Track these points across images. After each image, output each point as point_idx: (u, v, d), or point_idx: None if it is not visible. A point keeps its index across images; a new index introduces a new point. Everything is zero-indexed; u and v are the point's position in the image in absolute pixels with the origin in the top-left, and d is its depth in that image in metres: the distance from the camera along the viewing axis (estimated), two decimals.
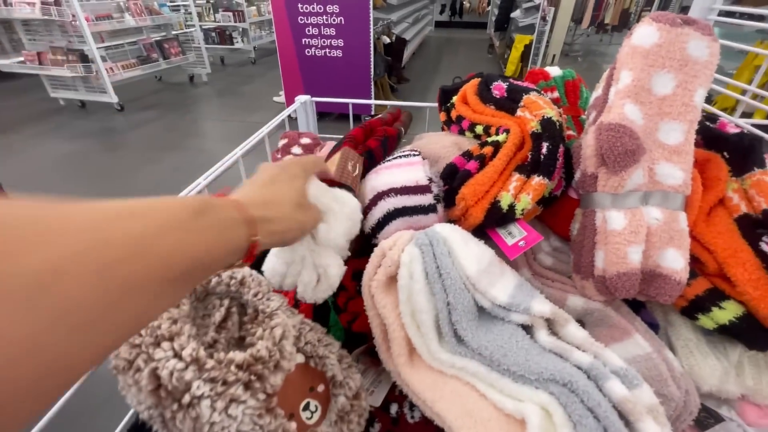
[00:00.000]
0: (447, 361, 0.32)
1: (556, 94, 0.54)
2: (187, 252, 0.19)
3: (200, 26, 4.26)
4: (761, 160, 0.38)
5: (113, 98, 3.21)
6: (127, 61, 3.49)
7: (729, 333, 0.36)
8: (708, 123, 0.44)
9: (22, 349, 0.13)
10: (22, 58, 3.25)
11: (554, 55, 5.07)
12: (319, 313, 0.45)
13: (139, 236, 0.17)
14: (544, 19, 3.10)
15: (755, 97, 0.49)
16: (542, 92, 0.52)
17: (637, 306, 0.41)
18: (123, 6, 3.40)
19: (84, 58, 3.08)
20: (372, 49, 2.70)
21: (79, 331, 0.14)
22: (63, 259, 0.14)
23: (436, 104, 0.70)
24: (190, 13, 4.09)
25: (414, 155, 0.45)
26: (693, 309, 0.37)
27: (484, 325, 0.33)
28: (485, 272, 0.34)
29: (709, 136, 0.42)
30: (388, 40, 3.38)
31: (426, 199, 0.41)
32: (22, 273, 0.13)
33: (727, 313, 0.35)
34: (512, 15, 4.33)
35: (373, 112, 2.93)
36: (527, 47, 3.30)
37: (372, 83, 2.82)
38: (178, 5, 4.11)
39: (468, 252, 0.35)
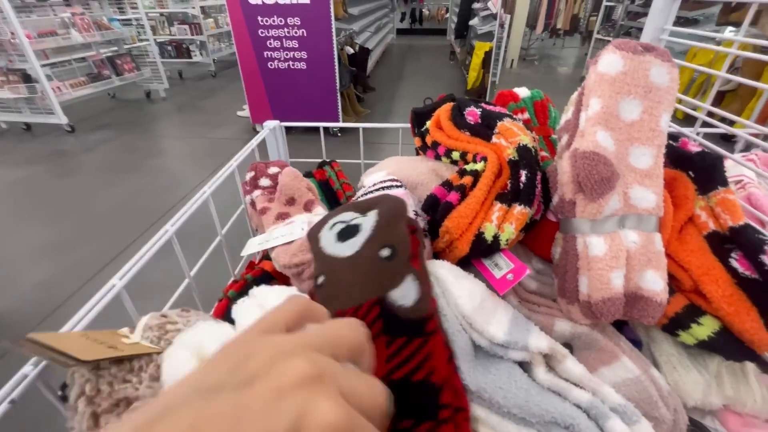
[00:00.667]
0: None
1: (526, 116, 0.55)
2: None
3: (155, 40, 4.10)
4: (723, 178, 0.40)
5: (62, 119, 3.02)
6: (76, 79, 3.31)
7: (708, 347, 0.37)
8: (671, 142, 0.46)
9: None
10: None
11: (513, 60, 5.26)
12: None
13: None
14: (502, 26, 3.21)
15: (689, 104, 0.52)
16: (514, 116, 0.53)
17: (619, 323, 0.42)
18: (68, 22, 3.22)
19: (27, 78, 2.89)
20: (336, 60, 2.70)
21: None
22: None
23: (407, 125, 0.70)
24: (143, 27, 3.93)
25: (397, 186, 0.44)
26: (673, 326, 0.38)
27: (482, 364, 0.32)
28: (480, 309, 0.34)
29: (674, 156, 0.44)
30: (351, 51, 3.39)
31: None
32: None
33: (705, 328, 0.36)
34: (470, 23, 4.45)
35: (340, 123, 2.92)
36: (487, 54, 3.41)
37: (338, 95, 2.81)
38: (130, 18, 3.93)
39: (462, 290, 0.35)
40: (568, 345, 0.41)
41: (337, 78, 2.76)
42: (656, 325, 0.40)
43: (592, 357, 0.38)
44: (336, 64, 2.71)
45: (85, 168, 2.60)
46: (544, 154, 0.51)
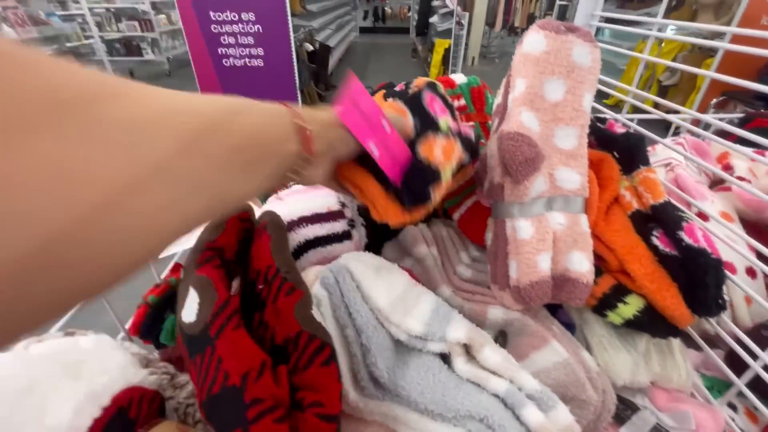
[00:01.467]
0: (364, 408, 0.29)
1: (462, 102, 0.54)
2: (245, 131, 0.22)
3: (101, 38, 3.86)
4: (645, 158, 0.41)
5: None
6: None
7: (634, 326, 0.37)
8: (599, 124, 0.46)
9: (121, 193, 0.14)
10: None
11: (473, 57, 5.36)
12: None
13: (221, 111, 0.21)
14: (459, 23, 3.25)
15: (638, 96, 0.53)
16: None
17: (553, 307, 0.42)
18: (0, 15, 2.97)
19: None
20: (294, 57, 2.64)
21: (171, 188, 0.16)
22: (163, 117, 0.17)
23: None
24: (87, 23, 3.69)
25: None
26: (602, 306, 0.38)
27: (401, 359, 0.30)
28: (399, 301, 0.32)
29: (600, 137, 0.44)
30: (311, 48, 3.32)
31: (339, 226, 0.38)
32: (127, 119, 0.15)
33: (630, 307, 0.37)
34: (431, 20, 4.49)
35: None
36: (447, 51, 3.44)
37: (298, 92, 2.75)
38: (72, 14, 3.68)
39: (378, 282, 0.33)
40: (503, 332, 0.40)
41: (297, 75, 2.70)
42: (586, 306, 0.39)
43: (524, 343, 0.37)
44: (294, 61, 2.65)
45: None
46: (481, 140, 0.50)
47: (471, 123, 0.52)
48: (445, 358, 0.31)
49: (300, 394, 0.28)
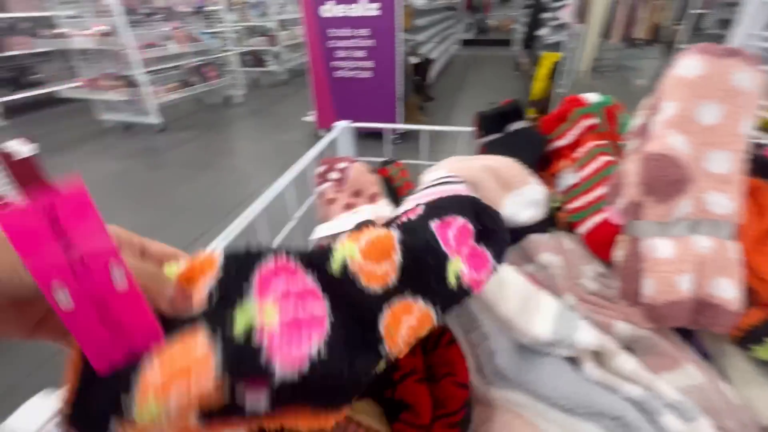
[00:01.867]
0: (491, 395, 0.33)
1: (594, 120, 0.54)
2: None
3: (236, 51, 4.50)
4: None
5: (156, 119, 3.42)
6: (169, 84, 3.73)
7: None
8: (756, 152, 0.43)
9: None
10: (75, 85, 3.54)
11: (584, 71, 5.01)
12: None
13: None
14: (573, 35, 3.09)
15: None
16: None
17: (687, 335, 0.41)
18: (167, 35, 3.66)
19: (131, 83, 3.32)
20: (400, 70, 2.78)
21: None
22: None
23: (468, 128, 0.72)
24: (227, 39, 4.34)
25: (458, 182, 0.47)
26: (747, 340, 0.36)
27: (528, 359, 0.33)
28: (521, 311, 0.35)
29: (757, 164, 0.42)
30: (415, 60, 3.46)
31: None
32: None
33: None
34: (538, 33, 4.33)
35: (405, 126, 2.99)
36: (555, 64, 3.29)
37: (400, 103, 2.88)
38: (217, 32, 4.37)
39: (505, 292, 0.36)
40: (628, 349, 0.40)
41: (400, 87, 2.84)
42: (729, 337, 0.38)
43: (653, 361, 0.37)
44: (399, 73, 2.79)
45: (171, 163, 2.92)
46: (611, 158, 0.51)
47: (604, 141, 0.53)
48: (571, 360, 0.33)
49: (434, 369, 0.33)
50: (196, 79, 4.00)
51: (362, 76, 2.88)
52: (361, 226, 0.46)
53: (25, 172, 1.44)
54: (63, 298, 0.19)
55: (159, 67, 3.77)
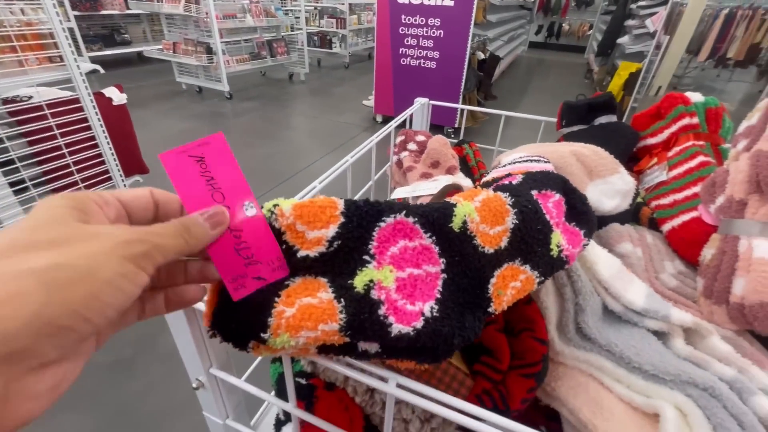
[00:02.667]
0: (568, 354, 0.34)
1: (695, 120, 0.52)
2: None
3: (305, 30, 4.63)
4: None
5: (225, 87, 3.62)
6: (241, 56, 3.91)
7: None
8: None
9: None
10: (161, 46, 3.82)
11: (660, 87, 4.68)
12: None
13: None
14: (658, 47, 2.89)
15: None
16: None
17: None
18: (246, 7, 3.83)
19: (209, 50, 3.52)
20: (466, 63, 2.74)
21: None
22: None
23: (552, 118, 0.71)
24: (298, 18, 4.47)
25: (545, 161, 0.47)
26: None
27: (613, 326, 0.34)
28: (617, 277, 0.35)
29: None
30: (482, 56, 3.39)
31: None
32: None
33: None
34: (619, 41, 4.09)
35: (456, 125, 2.96)
36: (633, 75, 3.10)
37: (461, 96, 2.85)
38: (289, 9, 4.51)
39: (598, 256, 0.37)
40: None
41: (463, 81, 2.80)
42: None
43: None
44: (465, 67, 2.76)
45: (235, 129, 3.08)
46: (709, 159, 0.49)
47: (701, 142, 0.51)
48: (657, 336, 0.33)
49: (511, 325, 0.34)
50: (265, 53, 4.16)
51: (428, 65, 2.87)
52: (448, 189, 0.48)
53: (115, 117, 1.59)
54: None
55: (234, 39, 3.97)
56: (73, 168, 1.43)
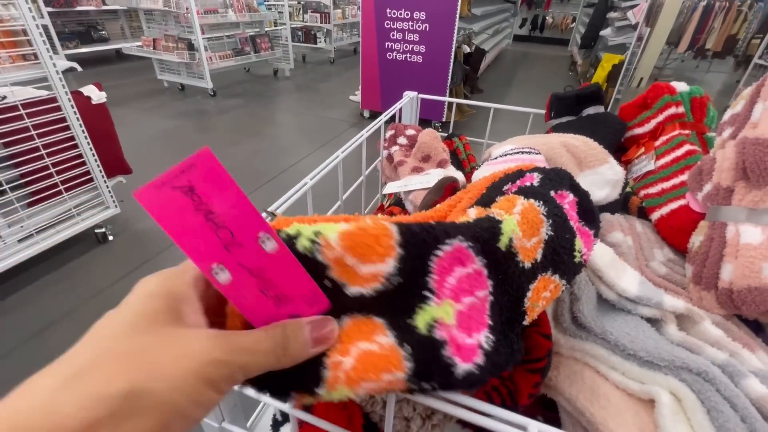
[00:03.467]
0: (565, 344, 0.35)
1: (681, 109, 0.53)
2: None
3: (289, 25, 4.56)
4: None
5: (209, 84, 3.55)
6: (223, 52, 3.84)
7: None
8: None
9: None
10: (140, 43, 3.72)
11: (642, 79, 4.76)
12: None
13: None
14: (640, 39, 2.93)
15: None
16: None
17: (756, 329, 0.40)
18: (228, 2, 3.75)
19: (190, 47, 3.44)
20: (452, 57, 2.74)
21: None
22: None
23: (540, 110, 0.72)
24: (282, 12, 4.40)
25: (536, 153, 0.47)
26: None
27: (607, 314, 0.34)
28: (610, 266, 0.36)
29: None
30: (468, 50, 3.40)
31: None
32: None
33: None
34: (602, 33, 4.14)
35: (443, 119, 2.97)
36: (615, 67, 3.15)
37: (448, 90, 2.85)
38: (272, 4, 4.43)
39: (597, 250, 0.37)
40: None
41: (450, 74, 2.80)
42: None
43: None
44: (451, 61, 2.75)
45: (219, 127, 3.02)
46: (695, 148, 0.50)
47: (687, 131, 0.52)
48: (650, 323, 0.34)
49: None
50: (248, 49, 4.09)
51: (414, 59, 2.86)
52: (445, 182, 0.48)
53: (95, 117, 1.55)
54: (220, 273, 0.18)
55: (216, 34, 3.89)
56: (53, 170, 1.38)
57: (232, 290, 0.19)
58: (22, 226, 1.38)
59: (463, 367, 0.21)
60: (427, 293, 0.22)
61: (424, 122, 0.79)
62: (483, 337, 0.23)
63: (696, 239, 0.42)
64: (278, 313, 0.20)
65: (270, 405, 0.45)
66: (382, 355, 0.20)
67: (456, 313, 0.23)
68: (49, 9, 3.96)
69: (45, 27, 3.69)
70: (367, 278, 0.21)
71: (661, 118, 0.54)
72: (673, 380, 0.28)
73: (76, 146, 1.44)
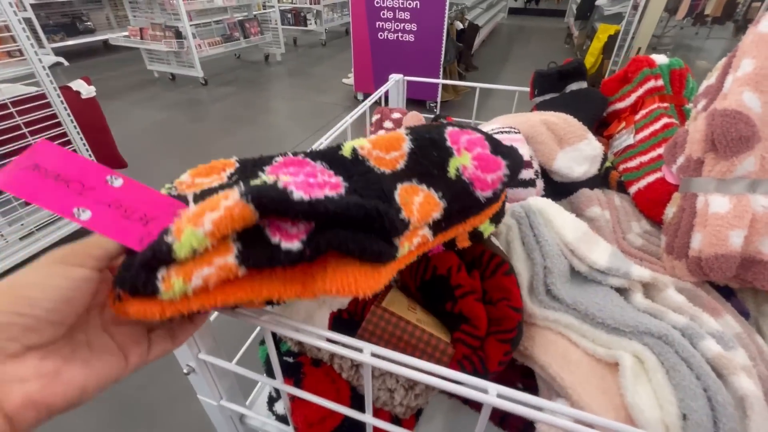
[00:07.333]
0: (539, 315, 0.36)
1: (660, 82, 0.53)
2: None
3: (278, 7, 4.46)
4: None
5: (199, 73, 3.50)
6: (212, 38, 3.77)
7: None
8: None
9: None
10: (127, 33, 3.65)
11: (640, 48, 4.66)
12: None
13: None
14: (635, 7, 2.86)
15: None
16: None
17: (727, 295, 0.42)
18: None
19: (178, 35, 3.38)
20: (445, 34, 2.69)
21: None
22: None
23: (525, 88, 0.72)
24: None
25: (515, 132, 0.48)
26: None
27: (579, 286, 0.36)
28: (583, 239, 0.37)
29: None
30: (461, 26, 3.33)
31: (528, 174, 0.45)
32: None
33: None
34: (597, 3, 4.04)
35: (439, 98, 2.94)
36: (611, 38, 3.08)
37: (441, 69, 2.81)
38: None
39: (565, 221, 0.39)
40: None
41: (443, 53, 2.76)
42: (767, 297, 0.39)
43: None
44: (444, 38, 2.70)
45: (212, 116, 3.00)
46: (672, 120, 0.51)
47: (666, 104, 0.52)
48: (619, 292, 0.36)
49: (489, 294, 0.36)
50: (238, 35, 4.02)
51: (406, 38, 2.81)
52: None
53: (86, 111, 1.54)
54: (82, 213, 0.22)
55: (204, 21, 3.81)
56: None
57: (94, 223, 0.22)
58: (22, 224, 1.40)
59: (300, 194, 0.22)
60: (261, 173, 0.28)
61: (419, 103, 0.80)
62: (332, 193, 0.24)
63: (670, 211, 0.44)
64: (149, 230, 0.23)
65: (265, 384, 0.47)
66: (221, 196, 0.21)
67: (293, 181, 0.23)
68: (32, 1, 3.87)
69: (28, 20, 3.61)
70: (212, 181, 0.29)
71: (640, 91, 0.54)
72: (636, 344, 0.30)
73: (69, 142, 1.45)
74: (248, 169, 0.29)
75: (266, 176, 0.27)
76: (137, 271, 0.21)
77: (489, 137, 0.33)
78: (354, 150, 0.30)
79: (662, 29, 5.21)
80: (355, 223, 0.23)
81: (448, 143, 0.31)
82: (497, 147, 0.32)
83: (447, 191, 0.29)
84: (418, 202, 0.28)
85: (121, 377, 0.23)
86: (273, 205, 0.21)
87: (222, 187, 0.27)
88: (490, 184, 0.30)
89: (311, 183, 0.24)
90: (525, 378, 0.39)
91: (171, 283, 0.20)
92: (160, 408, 1.05)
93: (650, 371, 0.29)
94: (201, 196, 0.27)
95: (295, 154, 0.30)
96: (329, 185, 0.25)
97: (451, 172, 0.30)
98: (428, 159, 0.30)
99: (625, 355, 0.29)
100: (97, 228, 0.22)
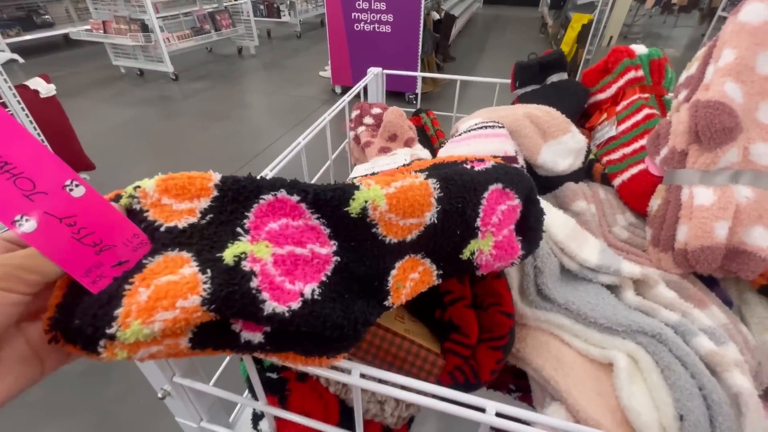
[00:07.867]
0: (531, 316, 0.35)
1: (640, 73, 0.53)
2: None
3: None
4: None
5: (169, 68, 3.36)
6: (182, 31, 3.62)
7: None
8: None
9: None
10: (88, 27, 3.46)
11: (611, 37, 4.76)
12: None
13: None
14: None
15: None
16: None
17: (710, 283, 0.42)
18: None
19: (144, 28, 3.23)
20: (422, 25, 2.66)
21: None
22: None
23: (507, 80, 0.71)
24: None
25: (499, 127, 0.47)
26: None
27: (570, 284, 0.35)
28: (572, 237, 0.37)
29: None
30: (437, 17, 3.30)
31: None
32: None
33: None
34: None
35: (417, 90, 2.91)
36: (585, 27, 3.13)
37: (419, 60, 2.79)
38: None
39: (553, 219, 0.38)
40: None
41: (420, 44, 2.73)
42: (753, 285, 0.40)
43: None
44: (421, 29, 2.68)
45: (185, 113, 2.89)
46: (653, 111, 0.51)
47: (646, 95, 0.52)
48: (610, 289, 0.35)
49: (480, 299, 0.35)
50: (208, 27, 3.87)
51: (382, 29, 2.77)
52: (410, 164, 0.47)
53: (46, 111, 1.45)
54: (25, 223, 0.18)
55: (171, 13, 3.65)
56: None
57: (37, 238, 0.18)
58: None
59: (272, 305, 0.20)
60: (240, 231, 0.22)
61: (397, 95, 0.77)
62: (309, 289, 0.22)
63: (654, 203, 0.44)
64: (100, 261, 0.20)
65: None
66: (181, 282, 0.19)
67: (273, 254, 0.22)
68: None
69: None
70: (183, 212, 0.23)
71: (621, 82, 0.54)
72: (630, 344, 0.29)
73: None
74: (227, 206, 0.23)
75: (244, 241, 0.22)
76: (77, 331, 0.19)
77: (524, 203, 0.29)
78: (365, 209, 0.24)
79: (632, 18, 5.34)
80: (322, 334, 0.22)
81: (478, 222, 0.26)
82: (522, 221, 0.29)
83: (449, 268, 0.27)
84: (413, 279, 0.26)
85: (37, 383, 0.21)
86: (239, 315, 0.20)
87: (190, 239, 0.22)
88: (495, 269, 0.29)
89: (295, 261, 0.22)
90: (517, 379, 0.39)
91: (114, 352, 0.19)
92: (140, 422, 1.01)
93: (645, 371, 0.28)
94: (163, 242, 0.22)
95: (291, 187, 0.24)
96: (315, 265, 0.23)
97: (465, 255, 0.27)
98: (447, 238, 0.26)
99: (619, 356, 0.29)
100: (39, 246, 0.18)
